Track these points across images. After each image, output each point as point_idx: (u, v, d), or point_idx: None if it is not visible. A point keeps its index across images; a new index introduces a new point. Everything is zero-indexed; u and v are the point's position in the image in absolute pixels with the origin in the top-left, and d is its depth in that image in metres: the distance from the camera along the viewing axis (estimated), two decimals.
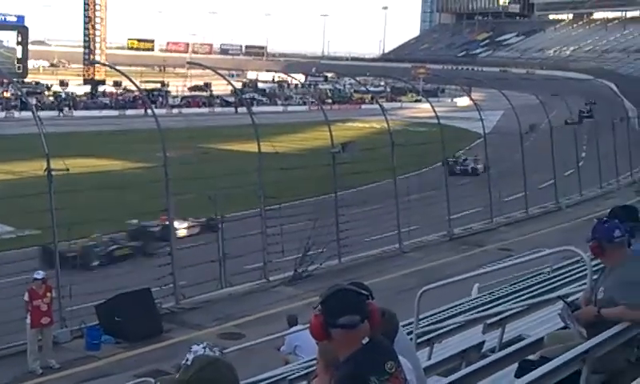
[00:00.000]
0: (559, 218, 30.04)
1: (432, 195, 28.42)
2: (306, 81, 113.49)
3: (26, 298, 14.77)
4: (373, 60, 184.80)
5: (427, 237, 26.18)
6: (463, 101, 72.70)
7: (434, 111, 30.64)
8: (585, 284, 7.28)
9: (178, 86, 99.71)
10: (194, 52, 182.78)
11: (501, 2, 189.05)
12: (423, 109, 65.11)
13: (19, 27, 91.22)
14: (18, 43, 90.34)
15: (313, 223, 21.22)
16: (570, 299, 6.12)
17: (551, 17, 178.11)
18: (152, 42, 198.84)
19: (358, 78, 66.72)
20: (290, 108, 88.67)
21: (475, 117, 34.37)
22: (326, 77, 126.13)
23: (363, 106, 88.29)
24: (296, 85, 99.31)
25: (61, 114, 67.73)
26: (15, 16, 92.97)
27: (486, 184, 30.00)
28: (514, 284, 13.26)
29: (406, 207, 24.97)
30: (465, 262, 22.12)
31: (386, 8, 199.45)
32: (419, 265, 22.60)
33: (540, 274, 13.60)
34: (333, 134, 24.41)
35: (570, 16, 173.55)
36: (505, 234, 27.78)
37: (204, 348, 3.01)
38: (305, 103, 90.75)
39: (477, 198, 29.91)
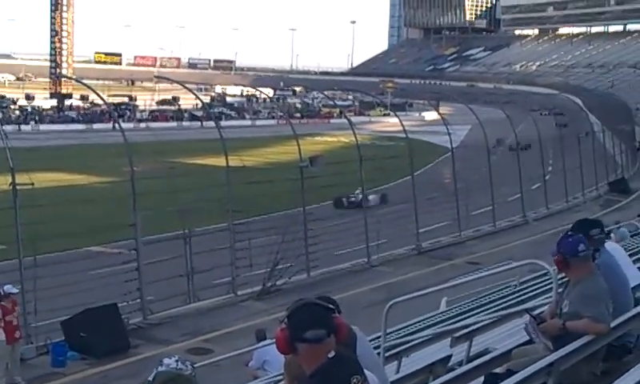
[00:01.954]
0: (527, 232, 30.29)
1: (400, 209, 28.48)
2: (274, 95, 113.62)
3: None
4: (341, 74, 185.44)
5: (396, 250, 26.24)
6: (431, 115, 73.08)
7: (402, 125, 30.79)
8: (551, 297, 7.35)
9: (145, 100, 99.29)
10: (162, 66, 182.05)
11: (467, 18, 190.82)
12: (391, 123, 65.36)
13: None
14: None
15: (281, 237, 21.17)
16: (535, 312, 6.16)
17: (517, 32, 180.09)
18: (119, 55, 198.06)
19: (326, 92, 66.79)
20: (258, 122, 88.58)
21: (443, 131, 34.59)
22: (295, 91, 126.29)
23: (332, 120, 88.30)
24: (264, 99, 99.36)
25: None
26: None
27: (454, 198, 30.17)
28: (482, 297, 13.34)
29: (374, 221, 25.04)
30: (433, 275, 22.16)
31: (354, 22, 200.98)
32: (388, 279, 22.63)
33: (507, 286, 13.70)
34: (301, 148, 24.43)
35: (536, 31, 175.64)
36: (473, 247, 27.92)
37: (176, 361, 3.00)
38: (273, 117, 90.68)
39: (445, 211, 30.04)
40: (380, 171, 29.94)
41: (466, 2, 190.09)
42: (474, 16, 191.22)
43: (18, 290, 15.03)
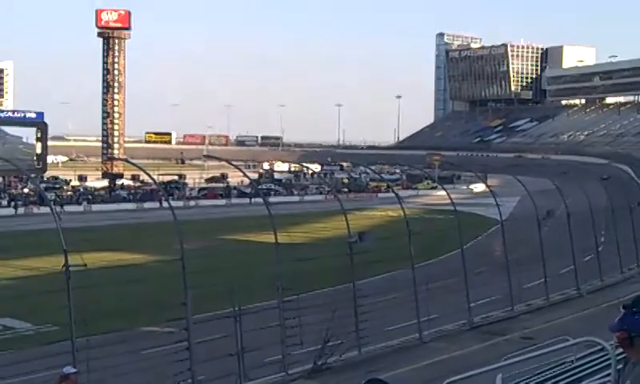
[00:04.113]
0: (581, 305, 29.67)
1: (451, 283, 28.20)
2: (321, 170, 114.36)
3: None
4: (388, 148, 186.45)
5: (447, 326, 25.86)
6: (479, 187, 72.81)
7: (450, 198, 30.67)
8: (609, 375, 7.17)
9: (195, 178, 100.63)
10: (211, 144, 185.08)
11: (513, 89, 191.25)
12: (439, 196, 65.23)
13: (39, 123, 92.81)
14: (38, 139, 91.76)
15: (331, 314, 21.04)
16: None
17: (564, 102, 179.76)
18: (169, 135, 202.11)
19: (373, 167, 67.06)
20: (306, 198, 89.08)
21: (492, 203, 34.36)
22: (342, 166, 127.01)
23: (379, 195, 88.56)
24: (312, 174, 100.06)
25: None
26: (35, 113, 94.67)
27: (505, 271, 29.77)
28: (538, 374, 13.04)
29: (424, 296, 24.78)
30: (487, 351, 21.78)
31: (399, 97, 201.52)
32: (440, 355, 22.28)
33: (563, 362, 13.39)
34: (350, 223, 24.42)
35: (583, 101, 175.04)
36: (526, 321, 27.40)
37: None
38: (321, 193, 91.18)
39: (496, 285, 29.65)
40: (430, 245, 29.80)
41: (511, 74, 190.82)
42: (519, 87, 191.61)
43: (76, 370, 15.09)
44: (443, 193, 39.12)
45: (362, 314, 22.69)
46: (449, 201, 30.73)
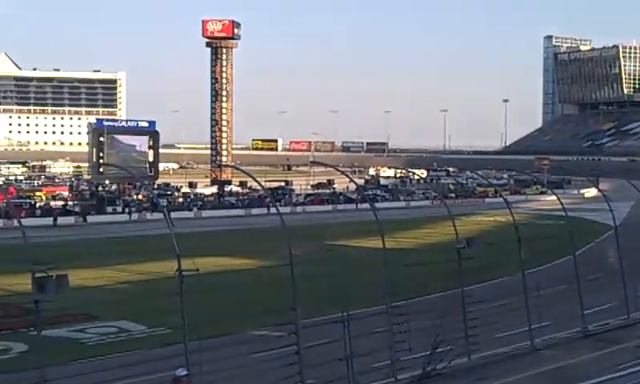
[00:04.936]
0: None
1: (563, 290, 27.50)
2: (427, 176, 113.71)
3: None
4: (495, 153, 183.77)
5: (560, 333, 25.22)
6: (590, 192, 70.93)
7: (561, 203, 29.91)
8: None
9: (301, 184, 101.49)
10: (317, 150, 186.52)
11: (625, 91, 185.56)
12: (549, 201, 63.96)
13: (151, 132, 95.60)
14: (150, 147, 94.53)
15: (440, 320, 20.83)
16: None
17: None
18: (275, 141, 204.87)
19: (480, 172, 66.23)
20: (412, 203, 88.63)
21: (604, 208, 33.35)
22: (448, 171, 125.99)
23: (486, 200, 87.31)
24: (418, 180, 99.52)
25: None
26: (147, 122, 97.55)
27: (620, 277, 28.84)
28: None
29: (535, 302, 24.23)
30: (601, 360, 21.17)
31: (506, 101, 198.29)
32: (553, 363, 21.73)
33: None
34: (457, 229, 24.13)
35: None
36: None
37: None
38: (427, 198, 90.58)
39: (610, 292, 28.76)
40: (540, 250, 29.14)
41: (623, 76, 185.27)
42: (631, 89, 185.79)
43: (187, 372, 15.43)
44: (552, 198, 38.32)
45: (472, 320, 22.36)
46: (559, 206, 29.99)
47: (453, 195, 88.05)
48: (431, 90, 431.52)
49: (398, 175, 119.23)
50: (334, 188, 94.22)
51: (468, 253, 23.89)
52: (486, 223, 59.47)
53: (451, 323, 21.25)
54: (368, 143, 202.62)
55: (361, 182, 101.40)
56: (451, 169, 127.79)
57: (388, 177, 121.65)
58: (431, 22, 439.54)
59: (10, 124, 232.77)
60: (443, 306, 21.82)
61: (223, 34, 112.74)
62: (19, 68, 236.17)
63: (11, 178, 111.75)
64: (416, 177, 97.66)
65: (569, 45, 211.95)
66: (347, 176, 30.89)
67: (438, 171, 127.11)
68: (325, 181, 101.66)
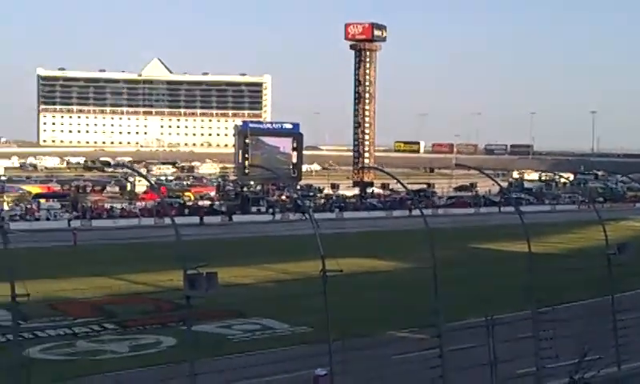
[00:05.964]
0: None
1: None
2: (574, 179, 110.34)
3: None
4: None
5: None
6: None
7: None
8: None
9: (443, 187, 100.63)
10: (459, 152, 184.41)
11: None
12: None
13: (294, 134, 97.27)
14: (294, 149, 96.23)
15: (589, 327, 20.17)
16: None
17: None
18: (417, 143, 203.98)
19: (631, 175, 63.69)
20: (558, 207, 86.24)
21: None
22: (597, 174, 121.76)
23: (637, 205, 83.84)
24: (564, 183, 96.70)
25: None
26: (291, 124, 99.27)
27: None
28: None
29: None
30: None
31: None
32: None
33: None
34: (607, 234, 23.28)
35: None
36: None
37: None
38: (574, 202, 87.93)
39: None
40: None
41: None
42: None
43: (326, 372, 15.60)
44: None
45: (623, 329, 21.54)
46: None
47: (601, 199, 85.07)
48: (578, 91, 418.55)
49: (543, 178, 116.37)
50: (476, 191, 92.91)
51: (619, 259, 23.04)
52: (638, 229, 57.13)
53: (600, 331, 20.56)
54: (512, 145, 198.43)
55: (504, 184, 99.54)
56: (600, 172, 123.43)
57: (532, 180, 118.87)
58: (580, 22, 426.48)
59: (162, 126, 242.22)
60: (592, 313, 21.12)
61: (363, 37, 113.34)
62: (170, 72, 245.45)
63: (162, 178, 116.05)
64: (562, 180, 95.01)
65: None
66: (491, 178, 30.41)
67: (586, 174, 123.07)
68: (467, 183, 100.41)
